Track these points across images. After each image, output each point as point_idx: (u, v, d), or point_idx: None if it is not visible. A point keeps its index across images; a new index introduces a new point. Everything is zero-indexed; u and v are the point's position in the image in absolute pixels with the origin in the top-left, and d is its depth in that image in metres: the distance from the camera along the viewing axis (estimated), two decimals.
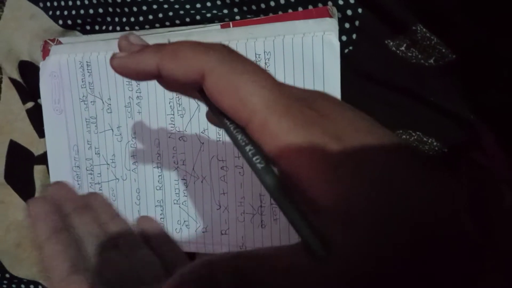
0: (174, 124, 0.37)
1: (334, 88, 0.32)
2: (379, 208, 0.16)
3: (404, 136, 0.32)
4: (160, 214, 0.39)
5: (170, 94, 0.37)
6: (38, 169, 0.43)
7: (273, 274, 0.17)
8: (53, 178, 0.42)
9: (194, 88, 0.18)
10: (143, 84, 0.38)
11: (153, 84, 0.37)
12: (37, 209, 0.28)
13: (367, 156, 0.16)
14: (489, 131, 0.28)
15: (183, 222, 0.38)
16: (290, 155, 0.16)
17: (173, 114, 0.37)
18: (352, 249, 0.16)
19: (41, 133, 0.42)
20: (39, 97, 0.41)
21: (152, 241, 0.32)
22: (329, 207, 0.16)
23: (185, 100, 0.37)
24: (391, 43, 0.32)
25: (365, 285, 0.16)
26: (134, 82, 0.38)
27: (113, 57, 0.19)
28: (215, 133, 0.36)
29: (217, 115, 0.18)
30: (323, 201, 0.16)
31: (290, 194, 0.17)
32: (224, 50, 0.18)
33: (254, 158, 0.17)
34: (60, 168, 0.41)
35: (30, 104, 0.43)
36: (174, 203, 0.38)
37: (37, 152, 0.43)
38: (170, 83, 0.20)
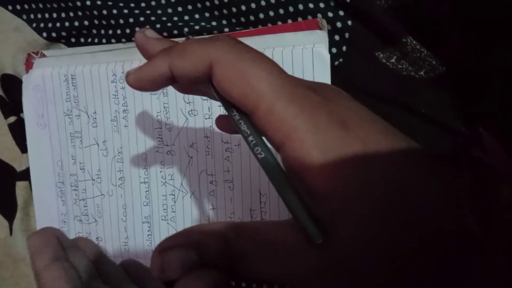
0: (161, 138, 0.37)
1: None
2: (380, 200, 0.16)
3: None
4: (148, 231, 0.38)
5: (157, 107, 0.36)
6: (20, 185, 0.41)
7: (259, 246, 0.17)
8: (36, 195, 0.40)
9: (206, 82, 0.19)
10: (130, 97, 0.37)
11: (140, 97, 0.37)
12: (38, 241, 0.28)
13: (372, 145, 0.16)
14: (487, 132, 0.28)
15: None
16: (295, 141, 0.17)
17: (161, 128, 0.37)
18: (348, 238, 0.16)
19: (23, 148, 0.41)
20: (22, 111, 0.40)
21: (137, 280, 0.32)
22: (328, 194, 0.16)
23: (173, 113, 0.36)
24: (381, 55, 0.31)
25: (357, 275, 0.16)
26: (120, 95, 0.37)
27: (127, 75, 0.20)
28: (204, 147, 0.35)
29: (226, 105, 0.19)
30: (323, 188, 0.16)
31: (290, 181, 0.17)
32: (229, 40, 0.19)
33: (255, 149, 0.18)
34: (43, 184, 0.40)
35: (12, 119, 0.41)
36: (162, 219, 0.37)
37: (19, 167, 0.41)
38: (184, 84, 0.20)
